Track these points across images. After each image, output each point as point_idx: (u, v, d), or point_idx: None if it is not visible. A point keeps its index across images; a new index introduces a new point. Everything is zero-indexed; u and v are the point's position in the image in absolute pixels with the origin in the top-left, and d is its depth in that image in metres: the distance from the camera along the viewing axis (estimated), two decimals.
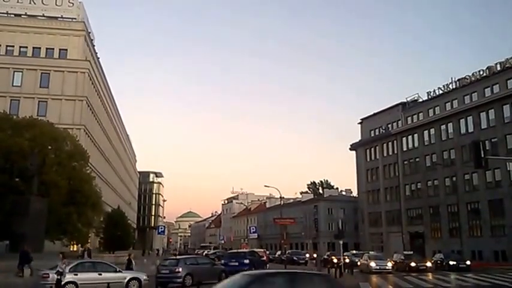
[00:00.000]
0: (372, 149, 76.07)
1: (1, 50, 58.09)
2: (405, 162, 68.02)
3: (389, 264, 36.92)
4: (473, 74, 58.41)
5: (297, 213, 77.22)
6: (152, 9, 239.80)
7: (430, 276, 31.97)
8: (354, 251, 52.69)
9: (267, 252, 53.54)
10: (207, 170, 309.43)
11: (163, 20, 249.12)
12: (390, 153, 71.48)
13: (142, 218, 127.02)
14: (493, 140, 52.11)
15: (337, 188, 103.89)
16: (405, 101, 70.47)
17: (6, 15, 60.01)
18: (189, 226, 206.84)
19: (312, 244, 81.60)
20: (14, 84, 55.12)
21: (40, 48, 59.15)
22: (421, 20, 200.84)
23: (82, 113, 55.97)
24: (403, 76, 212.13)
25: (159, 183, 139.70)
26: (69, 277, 19.10)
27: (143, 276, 21.80)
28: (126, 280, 20.70)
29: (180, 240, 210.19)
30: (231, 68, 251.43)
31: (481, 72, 57.15)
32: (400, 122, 70.18)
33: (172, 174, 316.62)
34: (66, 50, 59.29)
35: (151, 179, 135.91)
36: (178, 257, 29.98)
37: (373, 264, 36.19)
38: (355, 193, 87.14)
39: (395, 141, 70.09)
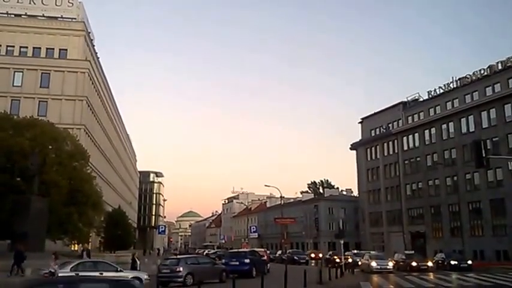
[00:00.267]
0: (373, 148, 76.01)
1: (1, 50, 58.11)
2: (406, 162, 67.95)
3: (391, 264, 36.81)
4: (474, 73, 58.35)
5: (297, 212, 77.16)
6: (151, 5, 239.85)
7: (431, 276, 31.87)
8: (355, 251, 52.62)
9: (268, 251, 53.44)
10: (207, 170, 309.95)
11: (162, 16, 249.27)
12: (391, 152, 71.43)
13: (143, 217, 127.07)
14: (494, 139, 52.08)
15: (337, 188, 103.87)
16: (406, 100, 70.42)
17: (6, 15, 60.02)
18: (190, 226, 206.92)
19: (313, 244, 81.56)
20: (15, 84, 55.13)
21: (40, 48, 59.14)
22: (422, 19, 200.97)
23: (82, 113, 55.95)
24: (404, 75, 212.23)
25: (160, 182, 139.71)
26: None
27: (144, 276, 21.79)
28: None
29: (181, 239, 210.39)
30: (231, 65, 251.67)
31: (482, 71, 57.09)
32: (400, 121, 70.09)
33: (173, 173, 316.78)
34: (66, 50, 59.28)
35: (151, 179, 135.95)
36: (179, 256, 29.95)
37: (374, 263, 36.09)
38: (355, 193, 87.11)
39: (396, 141, 70.01)
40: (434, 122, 62.51)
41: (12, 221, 31.56)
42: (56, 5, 62.44)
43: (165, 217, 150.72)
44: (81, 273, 19.47)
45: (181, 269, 23.15)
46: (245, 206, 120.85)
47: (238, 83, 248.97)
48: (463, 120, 57.84)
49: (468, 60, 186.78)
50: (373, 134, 76.33)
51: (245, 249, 39.00)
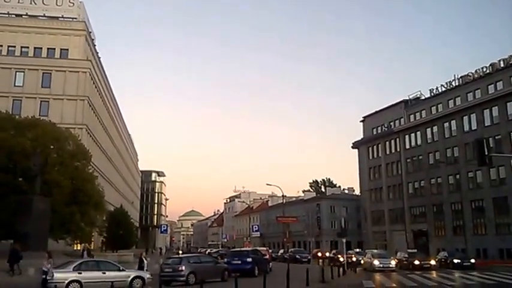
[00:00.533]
0: (375, 147, 75.93)
1: (3, 51, 58.14)
2: (408, 160, 67.83)
3: (393, 263, 36.76)
4: (476, 71, 58.19)
5: (299, 211, 77.15)
6: (151, 4, 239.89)
7: (434, 274, 31.74)
8: (357, 249, 52.52)
9: (270, 250, 53.40)
10: (209, 169, 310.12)
11: (161, 15, 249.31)
12: (393, 151, 71.35)
13: (145, 217, 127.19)
14: (496, 137, 51.90)
15: (339, 187, 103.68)
16: (408, 98, 70.28)
17: (7, 15, 60.10)
18: (192, 225, 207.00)
19: (315, 242, 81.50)
20: (16, 84, 55.17)
21: (41, 48, 59.20)
22: (424, 17, 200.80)
23: (84, 113, 55.99)
24: (406, 73, 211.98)
25: (162, 182, 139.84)
26: (73, 276, 19.18)
27: (147, 275, 21.81)
28: (129, 279, 20.69)
29: (183, 239, 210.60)
30: (231, 64, 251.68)
31: (484, 69, 56.92)
32: (402, 119, 69.97)
33: (175, 173, 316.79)
34: (67, 49, 59.35)
35: (153, 178, 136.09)
36: (181, 255, 29.94)
37: (376, 262, 36.04)
38: (357, 191, 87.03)
39: (397, 139, 69.89)
40: (436, 120, 62.35)
41: (14, 221, 31.65)
42: (57, 5, 62.48)
43: (167, 216, 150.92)
44: (83, 273, 19.49)
45: (183, 268, 23.15)
46: (247, 205, 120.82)
47: (239, 82, 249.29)
48: (465, 118, 57.63)
49: (470, 58, 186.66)
50: (375, 133, 76.22)
51: (247, 248, 38.96)
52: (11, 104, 52.48)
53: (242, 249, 38.89)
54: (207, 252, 56.27)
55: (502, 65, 54.81)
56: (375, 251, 43.94)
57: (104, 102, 68.53)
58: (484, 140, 21.36)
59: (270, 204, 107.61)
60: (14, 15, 60.95)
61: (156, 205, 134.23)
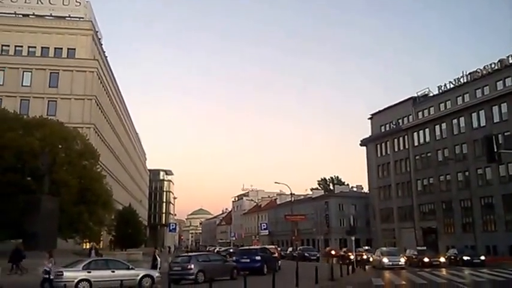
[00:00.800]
0: (383, 144, 75.65)
1: (10, 51, 58.38)
2: (417, 157, 67.53)
3: (402, 260, 36.60)
4: (484, 67, 57.75)
5: (307, 209, 76.94)
6: (154, 1, 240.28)
7: (443, 271, 31.63)
8: (366, 247, 52.31)
9: (279, 248, 53.30)
10: (217, 168, 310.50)
11: (165, 12, 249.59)
12: (401, 148, 71.04)
13: (154, 215, 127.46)
14: (506, 134, 51.38)
15: (347, 185, 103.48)
16: (416, 95, 69.94)
17: (14, 15, 60.27)
18: (200, 223, 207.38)
19: (324, 240, 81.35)
20: (24, 84, 55.51)
21: (48, 48, 59.37)
22: (431, 12, 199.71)
23: (91, 112, 56.17)
24: (414, 70, 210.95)
25: (170, 181, 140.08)
26: (82, 274, 19.15)
27: (156, 274, 21.78)
28: (139, 277, 20.65)
29: (192, 237, 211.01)
30: (237, 61, 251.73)
31: (493, 65, 56.47)
32: (411, 116, 69.67)
33: (183, 172, 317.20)
34: (75, 49, 59.52)
35: (161, 177, 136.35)
36: (190, 254, 29.93)
37: (385, 260, 35.92)
38: (366, 189, 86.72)
39: (406, 136, 69.61)
40: (445, 117, 61.99)
41: (23, 221, 31.71)
42: (64, 4, 62.61)
43: (175, 215, 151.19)
44: (93, 272, 19.49)
45: (192, 266, 23.15)
46: (255, 204, 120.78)
47: (244, 78, 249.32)
48: (474, 115, 57.26)
49: (479, 55, 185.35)
50: (383, 130, 75.99)
51: (256, 247, 38.91)
52: (19, 104, 52.76)
53: (251, 247, 38.86)
54: (215, 251, 56.27)
55: (510, 61, 54.38)
56: (384, 248, 43.80)
57: (111, 101, 68.70)
58: (493, 137, 20.99)
59: (278, 202, 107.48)
60: (20, 15, 61.11)
61: (164, 204, 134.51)
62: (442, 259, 38.77)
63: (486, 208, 54.73)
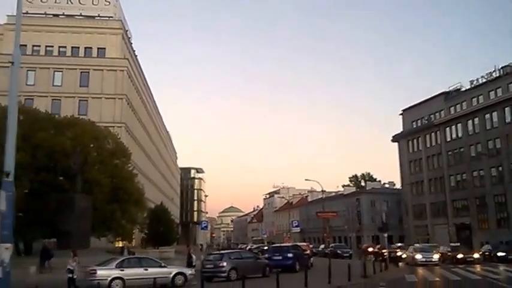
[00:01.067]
0: (415, 140, 74.74)
1: (41, 51, 59.14)
2: (449, 153, 66.36)
3: (436, 256, 35.98)
4: None
5: (339, 206, 76.44)
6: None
7: (478, 268, 30.94)
8: (399, 244, 51.62)
9: (311, 246, 52.86)
10: (248, 165, 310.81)
11: (190, 9, 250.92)
12: (433, 143, 69.98)
13: (185, 213, 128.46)
14: None
15: (379, 181, 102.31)
16: (448, 90, 68.62)
17: (44, 15, 60.91)
18: (231, 221, 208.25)
19: (356, 237, 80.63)
20: (55, 84, 56.34)
21: (79, 47, 59.96)
22: (464, 6, 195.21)
23: (122, 111, 56.68)
24: (445, 65, 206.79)
25: (200, 178, 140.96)
26: (115, 273, 19.21)
27: (188, 271, 21.74)
28: (171, 275, 20.62)
29: (223, 235, 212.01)
30: (269, 58, 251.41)
31: None
32: (443, 112, 68.57)
33: (214, 169, 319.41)
34: (105, 48, 59.99)
35: (192, 175, 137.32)
36: (222, 251, 29.92)
37: (418, 256, 35.49)
38: (398, 185, 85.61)
39: (438, 132, 68.56)
40: (477, 112, 60.78)
41: (56, 220, 32.09)
42: (93, 4, 63.11)
43: (207, 213, 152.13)
44: (126, 270, 19.55)
45: (224, 264, 23.12)
46: (286, 201, 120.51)
47: (277, 76, 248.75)
48: (507, 109, 56.10)
49: (511, 48, 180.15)
50: (414, 126, 74.92)
51: (288, 244, 38.68)
52: (50, 103, 53.40)
53: (283, 244, 38.63)
54: (247, 248, 56.25)
55: None
56: (417, 245, 43.23)
57: (141, 100, 69.25)
58: None
59: (309, 199, 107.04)
60: (51, 15, 61.69)
61: (195, 202, 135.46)
62: (476, 255, 38.07)
63: None
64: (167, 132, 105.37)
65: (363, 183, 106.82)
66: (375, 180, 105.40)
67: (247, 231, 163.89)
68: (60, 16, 62.32)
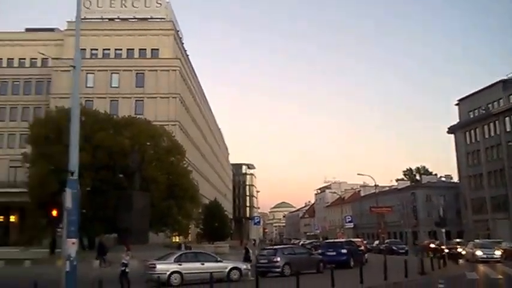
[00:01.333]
0: (472, 131, 72.26)
1: (98, 54, 61.27)
2: (509, 144, 63.69)
3: (498, 253, 34.62)
4: None
5: (393, 201, 74.97)
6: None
7: None
8: (458, 240, 50.16)
9: (365, 241, 52.27)
10: (298, 161, 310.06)
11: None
12: (492, 134, 67.46)
13: (238, 209, 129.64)
14: None
15: (435, 174, 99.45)
16: (506, 78, 65.85)
17: (100, 20, 62.99)
18: (284, 216, 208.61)
19: (411, 233, 78.91)
20: (112, 86, 58.47)
21: (133, 49, 61.48)
22: None
23: (176, 110, 57.94)
24: (503, 52, 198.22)
25: (252, 174, 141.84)
26: (174, 267, 19.84)
27: (243, 266, 22.06)
28: (227, 270, 20.99)
29: (275, 230, 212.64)
30: (318, 48, 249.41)
31: None
32: (501, 100, 65.93)
33: (264, 165, 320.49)
34: (158, 49, 61.25)
35: (244, 171, 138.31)
36: (276, 247, 30.13)
37: (479, 252, 34.33)
38: (455, 179, 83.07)
39: (497, 122, 66.10)
40: None
41: (116, 216, 33.39)
42: (146, 6, 64.54)
43: (258, 208, 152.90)
44: (183, 264, 20.13)
45: (279, 259, 23.32)
46: (338, 196, 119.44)
47: (326, 70, 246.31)
48: None
49: None
50: (471, 116, 72.40)
51: (341, 240, 38.46)
52: (109, 104, 55.52)
53: (336, 240, 38.44)
54: (300, 244, 56.27)
55: None
56: (478, 240, 41.83)
57: (193, 98, 70.48)
58: None
59: (362, 194, 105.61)
60: (107, 20, 63.73)
61: (247, 197, 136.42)
62: None
63: None
64: (218, 128, 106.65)
65: (418, 177, 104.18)
66: (430, 173, 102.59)
67: (299, 227, 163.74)
68: (116, 20, 64.10)
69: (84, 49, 56.09)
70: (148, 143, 41.23)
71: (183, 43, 70.30)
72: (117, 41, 61.16)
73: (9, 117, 60.95)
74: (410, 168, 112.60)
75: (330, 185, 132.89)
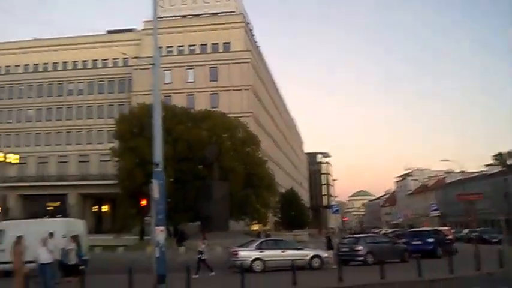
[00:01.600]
0: None
1: (174, 51, 62.91)
2: None
3: None
4: None
5: (483, 187, 71.00)
6: None
7: None
8: None
9: (453, 230, 49.86)
10: (376, 148, 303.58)
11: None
12: None
13: (314, 197, 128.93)
14: None
15: None
16: None
17: (174, 18, 64.53)
18: (362, 205, 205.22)
19: (505, 221, 74.47)
20: (188, 81, 59.99)
21: (206, 44, 62.76)
22: None
23: (249, 101, 58.52)
24: None
25: (327, 163, 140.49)
26: (256, 254, 20.07)
27: (324, 254, 21.84)
28: (308, 257, 20.89)
29: (355, 218, 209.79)
30: (394, 36, 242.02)
31: None
32: None
33: (341, 154, 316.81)
34: (229, 43, 62.03)
35: (318, 160, 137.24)
36: (357, 235, 29.60)
37: None
38: None
39: None
40: None
41: (197, 205, 34.47)
42: (216, 1, 65.55)
43: (336, 197, 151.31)
44: (265, 251, 20.25)
45: (361, 247, 22.82)
46: (420, 183, 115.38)
47: (401, 57, 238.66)
48: None
49: None
50: None
51: (427, 228, 37.05)
52: (186, 99, 57.20)
53: (422, 229, 37.10)
54: (381, 233, 55.05)
55: None
56: None
57: (266, 89, 70.67)
58: None
59: (447, 181, 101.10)
60: (179, 17, 65.32)
61: (324, 186, 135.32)
62: None
63: None
64: (291, 118, 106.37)
65: (509, 162, 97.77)
66: None
67: (380, 215, 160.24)
68: (188, 17, 65.58)
69: (161, 47, 57.63)
70: (224, 135, 42.24)
71: (253, 35, 70.60)
72: (191, 37, 62.62)
73: (97, 115, 64.84)
74: (501, 153, 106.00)
75: (412, 172, 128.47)
